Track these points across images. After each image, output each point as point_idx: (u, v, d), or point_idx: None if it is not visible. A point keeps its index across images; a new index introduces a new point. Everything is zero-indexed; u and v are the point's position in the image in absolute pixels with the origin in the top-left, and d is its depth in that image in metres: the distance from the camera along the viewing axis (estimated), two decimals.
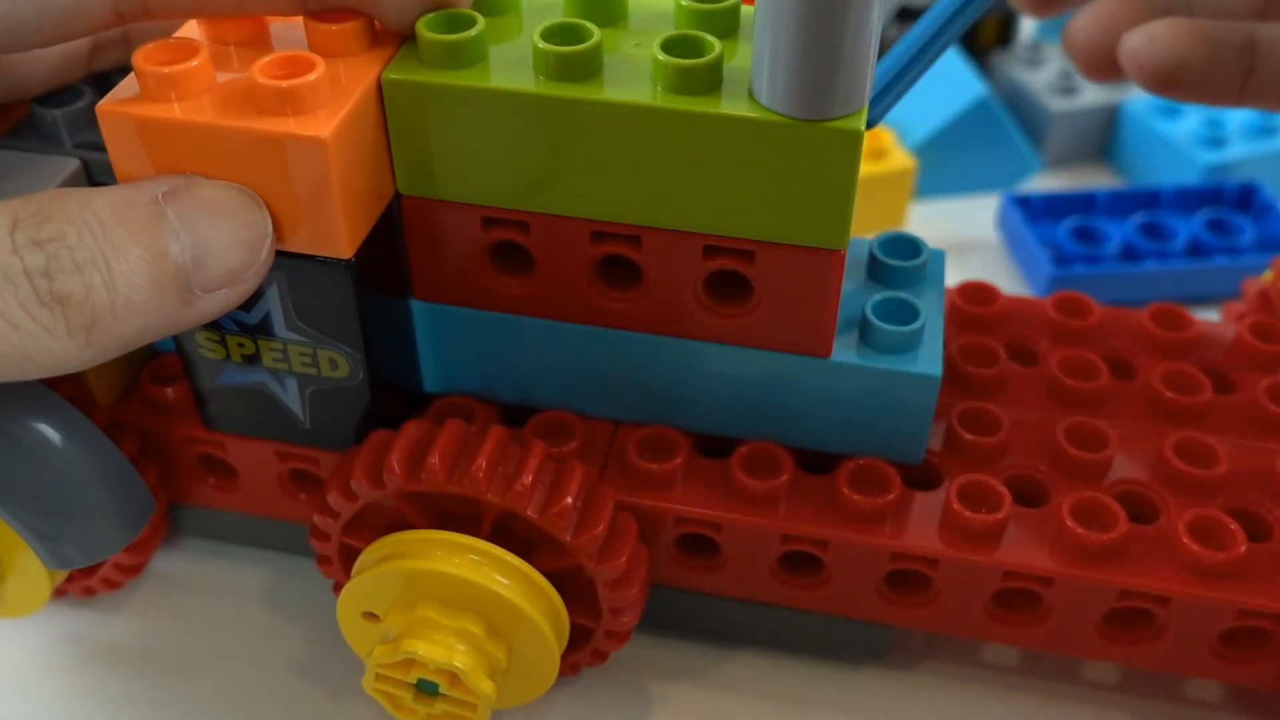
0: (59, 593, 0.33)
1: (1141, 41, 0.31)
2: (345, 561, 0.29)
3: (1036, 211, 0.48)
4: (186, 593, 0.34)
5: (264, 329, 0.27)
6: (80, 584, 0.33)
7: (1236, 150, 0.50)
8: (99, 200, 0.22)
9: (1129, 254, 0.46)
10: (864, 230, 0.42)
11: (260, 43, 0.26)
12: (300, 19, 0.26)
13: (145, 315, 0.23)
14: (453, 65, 0.25)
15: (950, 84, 0.52)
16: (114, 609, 0.34)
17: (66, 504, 0.27)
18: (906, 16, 0.56)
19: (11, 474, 0.26)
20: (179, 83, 0.24)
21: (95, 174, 0.29)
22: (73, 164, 0.28)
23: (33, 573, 0.29)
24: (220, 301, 0.24)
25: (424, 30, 0.25)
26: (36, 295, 0.21)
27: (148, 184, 0.23)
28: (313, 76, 0.24)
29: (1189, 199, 0.48)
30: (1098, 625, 0.29)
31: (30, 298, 0.21)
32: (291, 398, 0.29)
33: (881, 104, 0.27)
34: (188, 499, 0.33)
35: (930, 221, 0.51)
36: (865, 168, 0.47)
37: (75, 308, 0.22)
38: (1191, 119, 0.52)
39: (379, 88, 0.25)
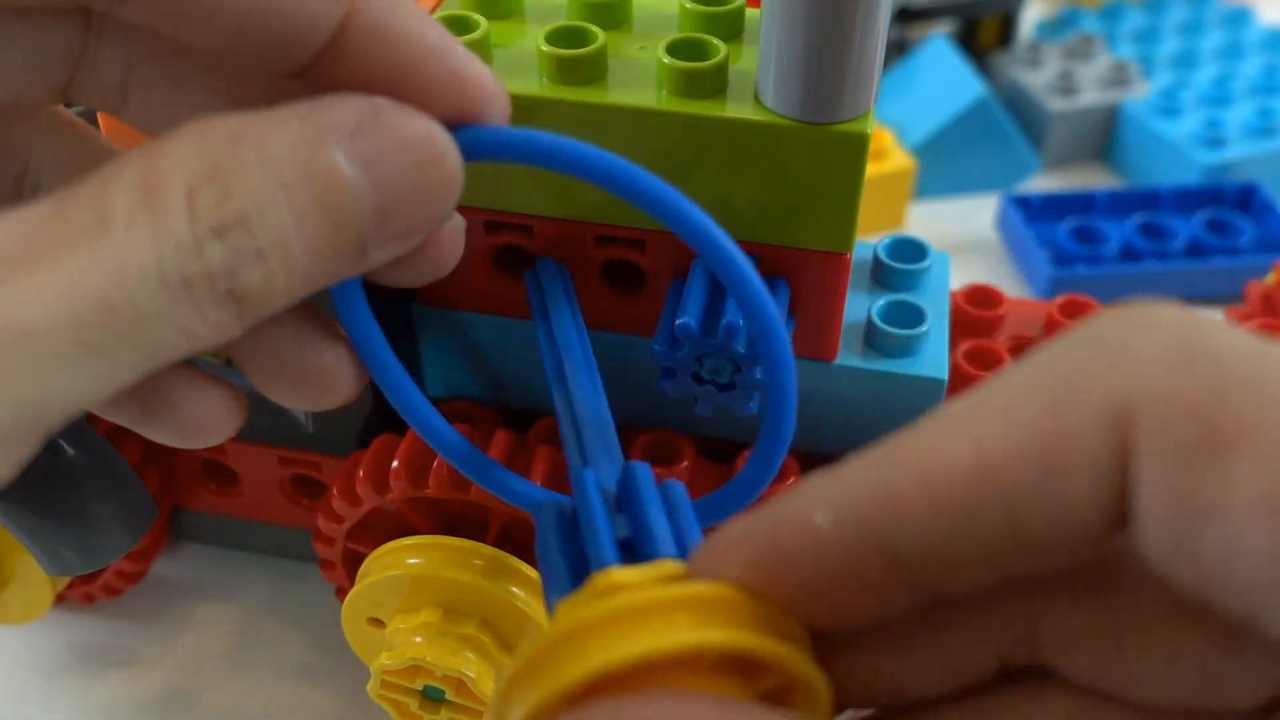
0: (59, 599, 0.33)
1: None
2: (349, 567, 0.29)
3: (1036, 212, 0.48)
4: (187, 599, 0.34)
5: None
6: (80, 590, 0.32)
7: (1236, 150, 0.50)
8: (278, 148, 0.17)
9: (1128, 254, 0.46)
10: (863, 231, 0.42)
11: None
12: None
13: (310, 286, 0.18)
14: None
15: (949, 84, 0.52)
16: (115, 615, 0.34)
17: (68, 510, 0.26)
18: (906, 17, 0.56)
19: (12, 480, 0.26)
20: None
21: None
22: None
23: (34, 580, 0.29)
24: (387, 256, 0.20)
25: None
26: (214, 296, 0.17)
27: (329, 116, 0.18)
28: None
29: (1188, 199, 0.48)
30: None
31: (208, 301, 0.17)
32: None
33: None
34: (189, 505, 0.33)
35: (929, 222, 0.50)
36: None
37: (250, 302, 0.17)
38: (1191, 119, 0.52)
39: None
